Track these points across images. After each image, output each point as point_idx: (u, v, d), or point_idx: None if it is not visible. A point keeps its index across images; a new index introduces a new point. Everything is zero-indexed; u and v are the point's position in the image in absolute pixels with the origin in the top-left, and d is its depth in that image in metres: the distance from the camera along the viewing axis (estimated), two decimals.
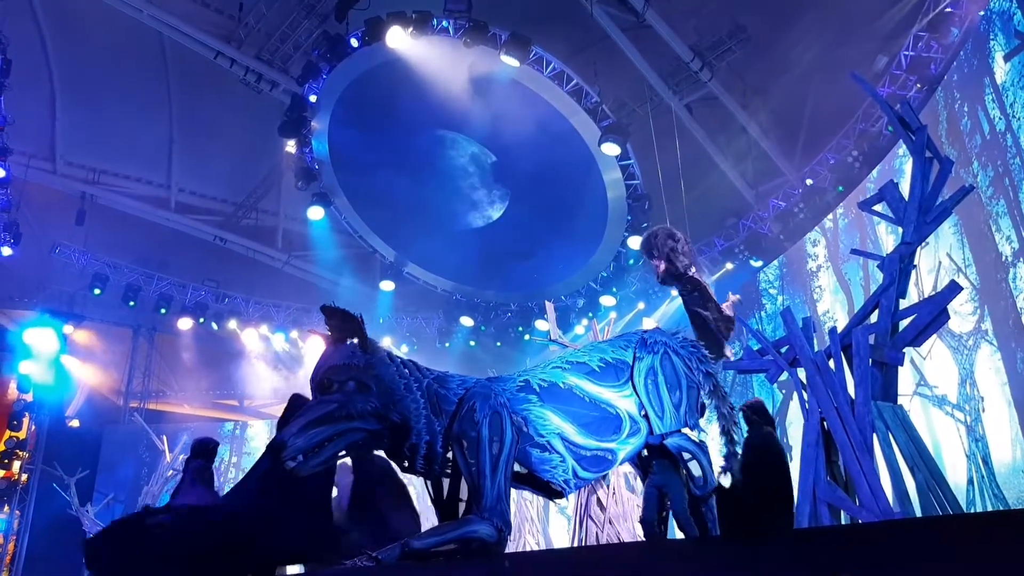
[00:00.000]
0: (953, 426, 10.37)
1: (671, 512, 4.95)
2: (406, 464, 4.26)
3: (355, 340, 4.18)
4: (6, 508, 16.98)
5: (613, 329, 12.50)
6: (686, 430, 4.91)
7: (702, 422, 5.16)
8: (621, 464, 4.94)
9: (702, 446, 4.92)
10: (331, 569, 4.93)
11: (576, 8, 13.83)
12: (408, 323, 20.53)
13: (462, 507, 4.31)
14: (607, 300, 17.26)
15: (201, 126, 17.77)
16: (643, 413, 4.87)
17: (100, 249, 18.18)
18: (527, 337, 19.23)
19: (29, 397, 17.56)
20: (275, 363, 20.87)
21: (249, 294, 19.88)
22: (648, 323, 11.60)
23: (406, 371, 4.23)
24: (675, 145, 14.76)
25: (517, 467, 4.37)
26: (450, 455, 4.27)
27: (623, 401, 4.83)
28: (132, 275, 18.56)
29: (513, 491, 4.41)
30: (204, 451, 6.26)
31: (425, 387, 4.25)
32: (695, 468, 4.85)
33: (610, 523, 7.93)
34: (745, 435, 5.53)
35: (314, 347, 18.38)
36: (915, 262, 5.70)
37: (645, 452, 5.09)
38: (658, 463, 4.97)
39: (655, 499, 5.00)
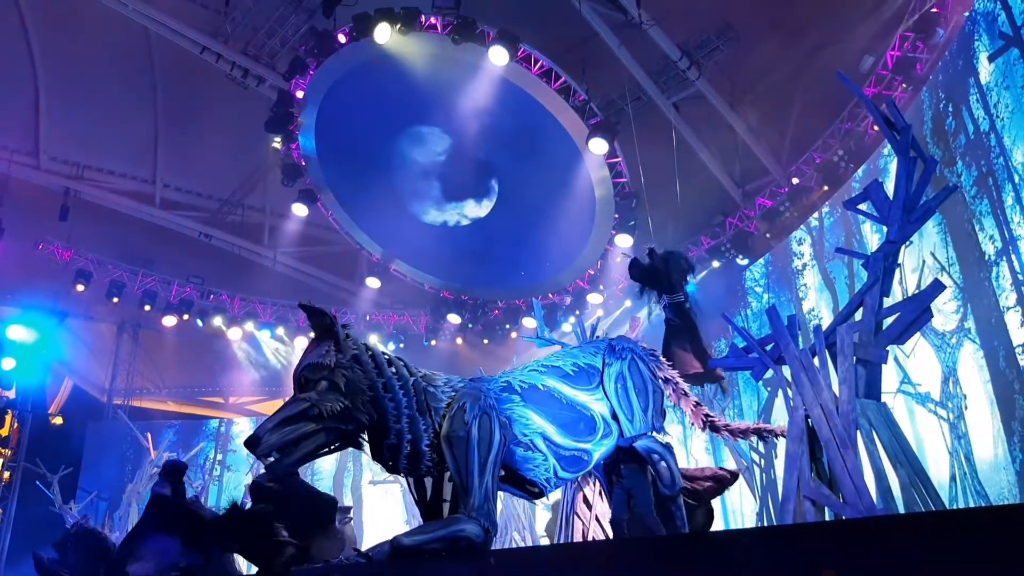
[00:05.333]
0: (936, 423, 10.45)
1: (638, 512, 5.10)
2: (390, 464, 4.24)
3: (327, 339, 4.17)
4: None
5: (601, 326, 12.52)
6: (653, 433, 5.16)
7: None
8: (594, 465, 5.06)
9: (668, 448, 5.14)
10: (323, 567, 4.93)
11: (565, 6, 13.82)
12: (394, 321, 20.47)
13: (446, 508, 4.32)
14: (594, 298, 17.28)
15: (187, 122, 17.66)
16: (613, 416, 5.07)
17: (84, 245, 18.02)
18: (514, 335, 19.23)
19: (11, 394, 17.40)
20: (260, 360, 20.77)
21: (234, 291, 19.76)
22: (636, 321, 11.61)
23: (390, 369, 4.21)
24: (662, 143, 14.78)
25: None
26: (435, 454, 4.27)
27: (596, 404, 5.04)
28: (116, 271, 18.42)
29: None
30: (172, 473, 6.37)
31: (412, 385, 4.24)
32: (663, 469, 5.01)
33: (596, 520, 7.93)
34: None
35: (301, 344, 18.33)
36: (899, 261, 5.74)
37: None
38: (626, 467, 5.18)
39: (624, 500, 5.19)
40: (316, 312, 4.20)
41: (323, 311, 4.20)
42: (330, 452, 4.18)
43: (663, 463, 5.08)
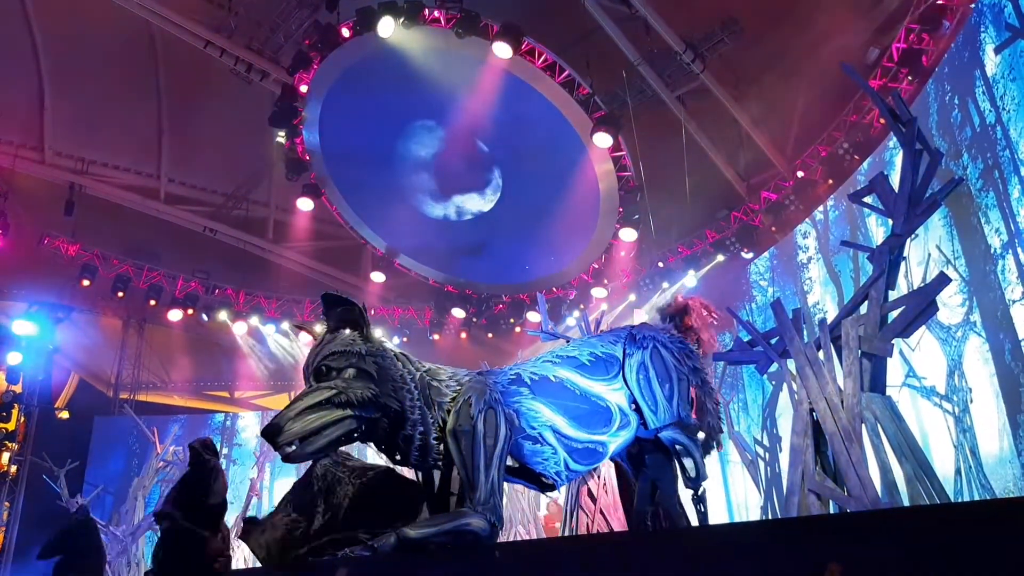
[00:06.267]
0: (941, 417, 10.43)
1: (662, 504, 5.00)
2: (399, 457, 4.25)
3: (352, 329, 4.15)
4: None
5: (605, 320, 12.53)
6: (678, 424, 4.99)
7: None
8: (611, 457, 4.99)
9: (694, 440, 4.98)
10: (328, 558, 4.94)
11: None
12: (399, 315, 20.50)
13: (452, 501, 4.32)
14: (598, 292, 17.27)
15: (191, 116, 17.67)
16: (634, 407, 4.93)
17: (89, 240, 18.06)
18: (518, 329, 19.23)
19: (18, 388, 17.47)
20: (266, 354, 20.82)
21: (239, 285, 19.81)
22: (639, 315, 11.64)
23: (399, 363, 4.23)
24: (667, 137, 14.73)
25: (509, 460, 4.39)
26: (443, 448, 4.28)
27: (613, 395, 4.87)
28: (121, 266, 18.47)
29: (505, 483, 4.43)
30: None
31: (418, 379, 4.24)
32: (687, 461, 4.91)
33: (601, 514, 7.96)
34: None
35: (305, 338, 18.36)
36: (905, 254, 5.73)
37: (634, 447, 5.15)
38: (651, 457, 5.03)
39: (648, 492, 5.06)
40: (343, 301, 4.18)
41: (351, 300, 4.19)
42: (351, 443, 4.11)
43: (687, 455, 4.95)
